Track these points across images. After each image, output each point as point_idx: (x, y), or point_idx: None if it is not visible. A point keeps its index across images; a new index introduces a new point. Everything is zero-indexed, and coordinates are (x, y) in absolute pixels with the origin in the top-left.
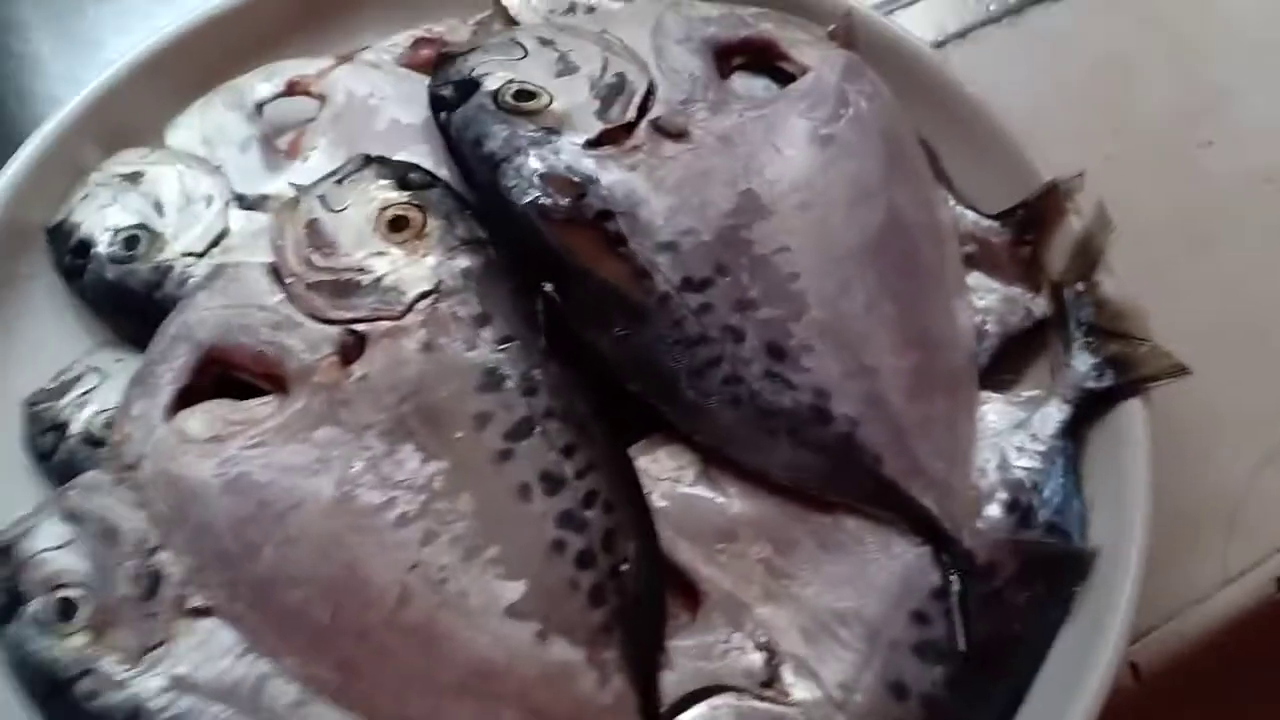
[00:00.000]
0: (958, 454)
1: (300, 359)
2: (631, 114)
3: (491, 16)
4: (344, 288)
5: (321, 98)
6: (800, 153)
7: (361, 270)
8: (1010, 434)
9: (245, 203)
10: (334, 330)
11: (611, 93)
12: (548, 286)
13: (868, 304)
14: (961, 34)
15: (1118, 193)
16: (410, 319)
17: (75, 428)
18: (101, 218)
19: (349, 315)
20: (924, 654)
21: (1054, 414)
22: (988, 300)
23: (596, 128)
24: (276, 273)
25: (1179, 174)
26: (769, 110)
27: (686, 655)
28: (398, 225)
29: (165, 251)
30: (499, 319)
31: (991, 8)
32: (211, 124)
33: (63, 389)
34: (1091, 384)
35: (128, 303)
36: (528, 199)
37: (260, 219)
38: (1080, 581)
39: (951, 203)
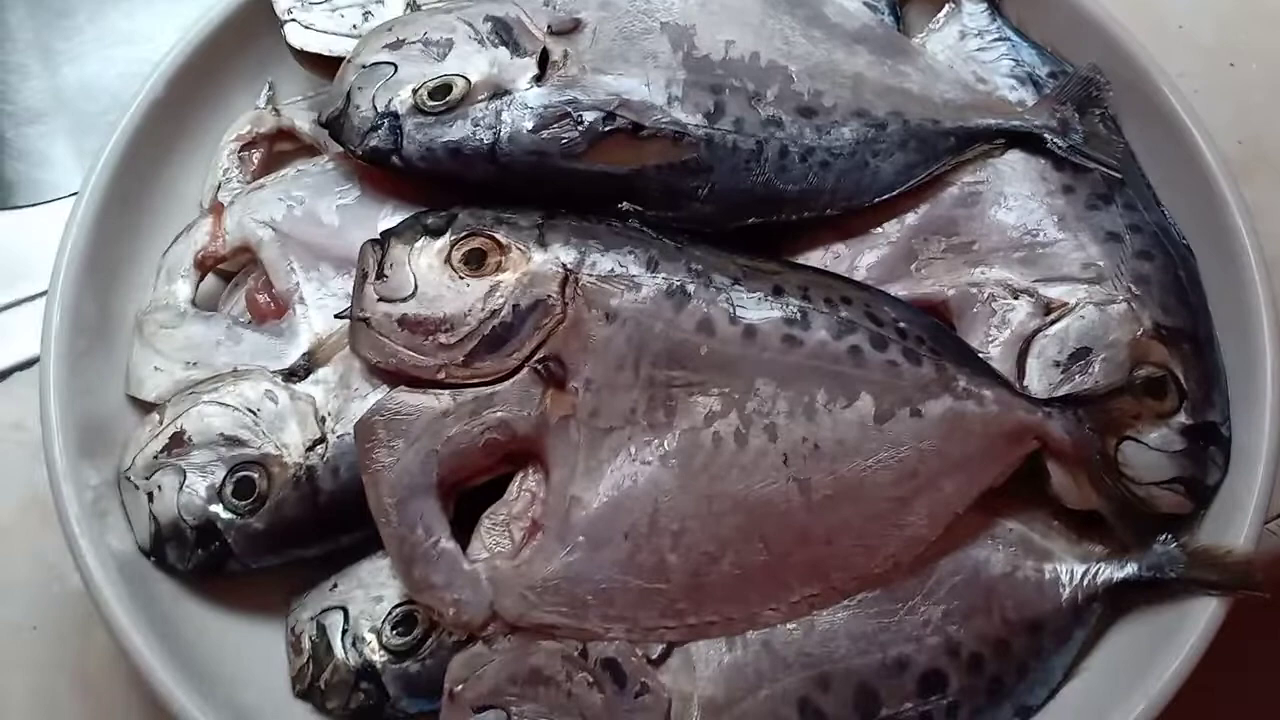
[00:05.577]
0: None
1: (529, 417)
2: (537, 37)
3: (272, 88)
4: (496, 338)
5: (245, 249)
6: None
7: (494, 313)
8: None
9: (295, 376)
10: (525, 373)
11: (500, 35)
12: (624, 205)
13: (803, 31)
14: None
15: None
16: (574, 310)
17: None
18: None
19: (525, 352)
20: None
21: None
22: None
23: (525, 67)
24: (418, 382)
25: None
26: None
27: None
28: (476, 259)
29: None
30: (626, 254)
31: None
32: (181, 351)
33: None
34: None
35: None
36: (547, 151)
37: (327, 375)
38: None
39: None
